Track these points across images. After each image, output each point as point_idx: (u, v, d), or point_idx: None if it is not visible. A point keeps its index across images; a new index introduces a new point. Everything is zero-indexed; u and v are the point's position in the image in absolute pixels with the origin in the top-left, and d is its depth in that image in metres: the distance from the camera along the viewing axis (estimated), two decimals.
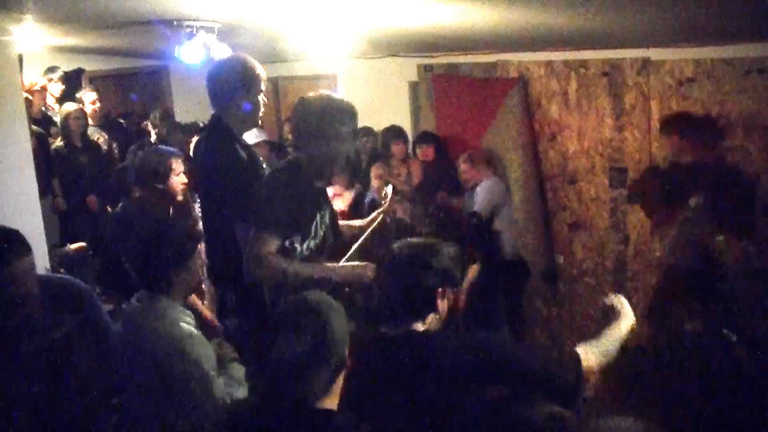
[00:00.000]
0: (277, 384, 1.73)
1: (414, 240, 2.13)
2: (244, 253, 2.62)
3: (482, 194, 4.85)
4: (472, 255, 4.42)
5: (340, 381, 1.78)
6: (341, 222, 3.13)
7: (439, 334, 1.99)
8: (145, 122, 6.81)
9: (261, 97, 3.03)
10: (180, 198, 3.65)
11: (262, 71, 3.03)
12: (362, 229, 3.16)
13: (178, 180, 3.61)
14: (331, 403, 1.77)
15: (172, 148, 3.88)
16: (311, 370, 1.72)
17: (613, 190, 4.86)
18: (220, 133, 2.95)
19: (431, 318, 1.99)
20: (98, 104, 6.29)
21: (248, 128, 3.12)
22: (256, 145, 4.77)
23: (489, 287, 4.51)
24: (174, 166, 3.59)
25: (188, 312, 2.28)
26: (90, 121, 6.24)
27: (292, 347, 1.71)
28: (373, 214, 3.25)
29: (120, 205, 3.77)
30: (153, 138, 6.26)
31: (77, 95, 6.31)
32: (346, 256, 2.89)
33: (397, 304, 1.98)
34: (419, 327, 1.98)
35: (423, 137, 5.43)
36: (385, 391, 1.89)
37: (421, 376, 1.84)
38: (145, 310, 2.21)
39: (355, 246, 2.98)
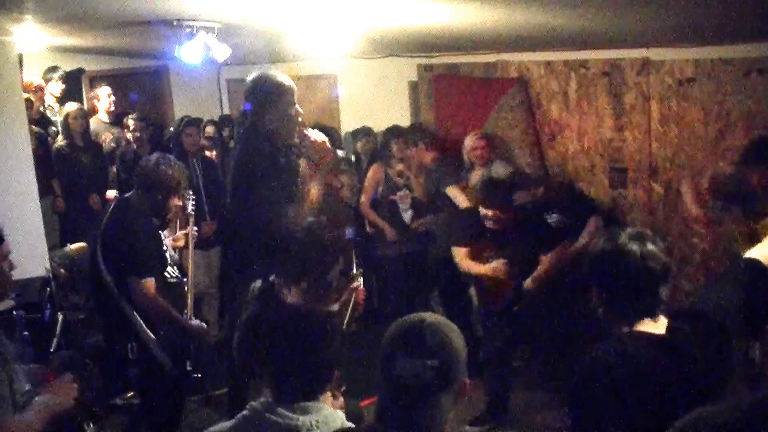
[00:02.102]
0: (401, 411, 1.61)
1: None
2: None
3: (505, 169, 4.89)
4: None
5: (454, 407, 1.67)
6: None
7: None
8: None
9: (291, 109, 3.33)
10: (170, 216, 3.55)
11: (290, 84, 3.34)
12: (337, 314, 3.05)
13: (176, 200, 3.47)
14: (449, 428, 1.66)
15: (181, 163, 3.64)
16: (439, 395, 1.60)
17: (613, 190, 4.86)
18: (252, 137, 3.35)
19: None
20: (113, 98, 6.28)
21: (283, 136, 3.39)
22: None
23: None
24: (181, 183, 3.46)
25: None
26: (105, 118, 6.26)
27: (418, 372, 1.58)
28: (344, 295, 3.14)
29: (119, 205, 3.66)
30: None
31: (92, 93, 6.33)
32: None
33: None
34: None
35: (423, 137, 5.41)
36: None
37: None
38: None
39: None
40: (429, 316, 1.70)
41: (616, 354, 1.96)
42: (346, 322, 3.02)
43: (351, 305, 3.08)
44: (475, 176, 4.96)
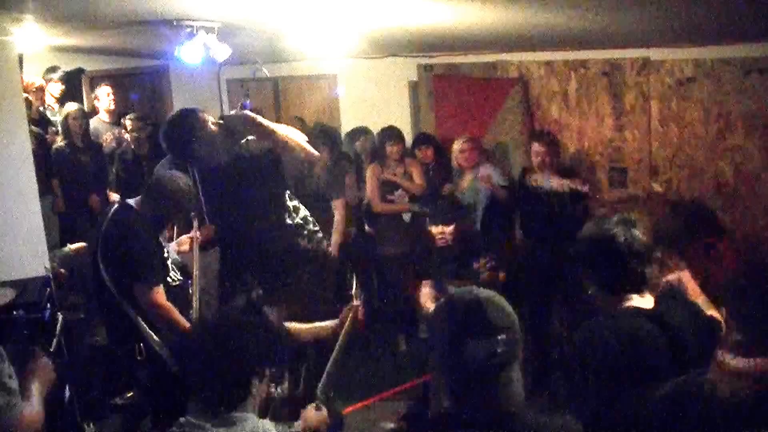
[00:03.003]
0: (478, 393, 1.57)
1: None
2: None
3: (492, 170, 4.88)
4: None
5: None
6: (306, 326, 3.12)
7: None
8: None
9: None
10: (168, 233, 3.58)
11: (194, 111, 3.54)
12: (334, 331, 3.06)
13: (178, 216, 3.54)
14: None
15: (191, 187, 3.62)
16: (511, 368, 1.57)
17: (613, 190, 4.86)
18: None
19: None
20: (113, 96, 6.28)
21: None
22: None
23: None
24: (188, 207, 3.50)
25: None
26: (106, 117, 6.25)
27: (489, 350, 1.53)
28: (343, 313, 3.12)
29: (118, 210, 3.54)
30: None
31: (94, 93, 6.33)
32: (328, 366, 2.79)
33: None
34: None
35: (422, 139, 5.42)
36: None
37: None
38: None
39: (332, 358, 2.85)
40: (481, 292, 1.64)
41: (609, 328, 2.10)
42: (341, 338, 2.96)
43: (348, 323, 3.04)
44: (466, 180, 4.97)
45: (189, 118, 3.47)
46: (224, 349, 1.95)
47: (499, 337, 1.54)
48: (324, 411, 2.40)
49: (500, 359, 1.54)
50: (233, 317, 2.38)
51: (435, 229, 4.05)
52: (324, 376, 2.69)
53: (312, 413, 2.39)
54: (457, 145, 4.99)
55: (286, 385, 2.54)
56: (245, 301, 2.94)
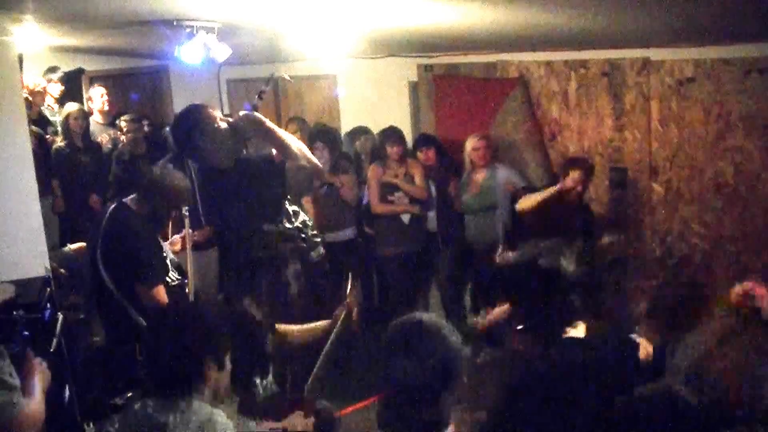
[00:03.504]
0: (403, 413, 1.62)
1: None
2: None
3: (510, 172, 4.88)
4: None
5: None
6: (297, 327, 3.10)
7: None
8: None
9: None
10: (167, 227, 3.58)
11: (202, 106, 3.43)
12: (325, 330, 3.05)
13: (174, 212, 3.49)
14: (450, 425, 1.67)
15: (186, 180, 3.60)
16: (440, 394, 1.61)
17: (612, 190, 4.86)
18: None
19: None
20: (106, 97, 6.28)
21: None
22: None
23: None
24: (183, 201, 3.46)
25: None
26: (100, 118, 6.24)
27: (420, 372, 1.58)
28: (336, 312, 3.11)
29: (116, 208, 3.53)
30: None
31: (87, 94, 6.32)
32: (317, 367, 2.77)
33: None
34: None
35: (424, 140, 5.38)
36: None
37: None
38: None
39: (321, 359, 2.83)
40: (425, 316, 1.70)
41: (542, 360, 2.08)
42: (331, 339, 2.96)
43: (340, 324, 3.03)
44: (479, 177, 4.95)
45: (196, 112, 3.46)
46: (179, 334, 1.98)
47: (429, 362, 1.58)
48: (311, 419, 2.38)
49: (426, 382, 1.58)
50: (199, 306, 2.40)
51: None
52: (312, 376, 2.66)
53: (299, 419, 2.38)
54: (470, 143, 4.98)
55: (270, 384, 2.51)
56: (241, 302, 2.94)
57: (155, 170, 3.48)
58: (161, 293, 3.19)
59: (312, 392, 2.60)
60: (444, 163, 5.27)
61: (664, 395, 1.66)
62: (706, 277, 4.37)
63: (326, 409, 2.57)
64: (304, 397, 2.50)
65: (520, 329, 2.16)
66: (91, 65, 6.84)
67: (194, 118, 3.42)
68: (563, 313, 2.12)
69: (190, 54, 3.71)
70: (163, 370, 1.96)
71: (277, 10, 3.43)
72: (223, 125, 3.42)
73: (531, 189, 4.76)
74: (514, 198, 4.73)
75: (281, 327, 3.04)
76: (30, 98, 5.63)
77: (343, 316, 3.04)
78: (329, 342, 2.89)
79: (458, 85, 5.59)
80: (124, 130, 5.86)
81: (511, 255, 3.95)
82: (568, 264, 2.10)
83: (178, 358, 1.94)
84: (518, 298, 2.20)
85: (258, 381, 2.39)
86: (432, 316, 1.73)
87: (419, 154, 5.27)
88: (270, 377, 2.50)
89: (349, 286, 3.18)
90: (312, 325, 3.11)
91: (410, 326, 1.67)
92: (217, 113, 3.51)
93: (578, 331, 2.13)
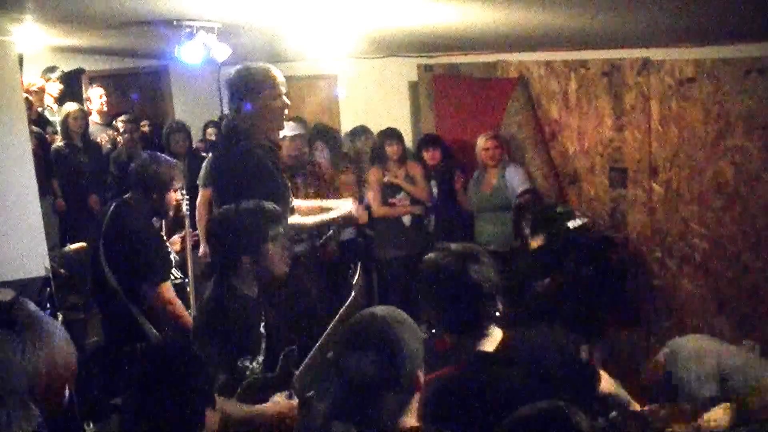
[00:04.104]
0: (352, 406, 1.62)
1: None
2: None
3: (520, 173, 4.87)
4: None
5: (415, 400, 1.65)
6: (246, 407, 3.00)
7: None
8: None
9: (273, 101, 3.18)
10: (170, 213, 3.54)
11: (269, 75, 3.17)
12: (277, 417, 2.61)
13: (175, 195, 3.44)
14: (411, 420, 1.63)
15: (173, 159, 3.61)
16: (384, 391, 1.60)
17: (613, 190, 4.86)
18: (226, 137, 3.15)
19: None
20: (105, 98, 6.29)
21: (264, 130, 3.19)
22: (293, 137, 4.84)
23: None
24: (175, 179, 3.42)
25: None
26: (98, 119, 6.25)
27: (362, 367, 1.57)
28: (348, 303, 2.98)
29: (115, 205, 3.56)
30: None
31: (86, 94, 6.32)
32: (305, 362, 2.60)
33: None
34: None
35: (428, 140, 5.37)
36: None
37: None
38: None
39: (315, 348, 2.65)
40: (381, 311, 1.70)
41: (453, 380, 1.97)
42: (329, 329, 2.85)
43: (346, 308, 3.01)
44: (490, 177, 4.95)
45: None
46: (179, 383, 1.78)
47: (371, 356, 1.57)
48: (295, 401, 2.30)
49: (370, 377, 1.56)
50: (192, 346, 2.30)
51: None
52: (303, 366, 2.57)
53: (282, 399, 2.28)
54: (481, 142, 4.96)
55: (259, 365, 2.45)
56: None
57: (143, 157, 3.48)
58: (169, 290, 3.18)
59: (301, 382, 2.55)
60: (447, 163, 5.28)
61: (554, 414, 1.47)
62: (706, 277, 4.37)
63: (311, 403, 2.52)
64: (293, 386, 2.45)
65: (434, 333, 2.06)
66: (90, 65, 6.85)
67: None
68: (480, 320, 1.97)
69: (190, 54, 3.72)
70: (157, 424, 1.75)
71: (277, 10, 3.43)
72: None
73: (536, 192, 4.77)
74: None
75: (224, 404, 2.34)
76: (30, 98, 5.64)
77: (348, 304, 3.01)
78: (325, 333, 2.80)
79: (458, 85, 5.59)
80: (121, 130, 5.87)
81: None
82: (484, 268, 1.95)
83: (178, 409, 1.73)
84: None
85: (247, 363, 2.35)
86: (393, 311, 1.70)
87: (425, 155, 5.26)
88: (260, 358, 2.44)
89: (356, 277, 3.16)
90: (261, 406, 2.42)
91: (363, 322, 1.66)
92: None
93: (493, 341, 1.97)
